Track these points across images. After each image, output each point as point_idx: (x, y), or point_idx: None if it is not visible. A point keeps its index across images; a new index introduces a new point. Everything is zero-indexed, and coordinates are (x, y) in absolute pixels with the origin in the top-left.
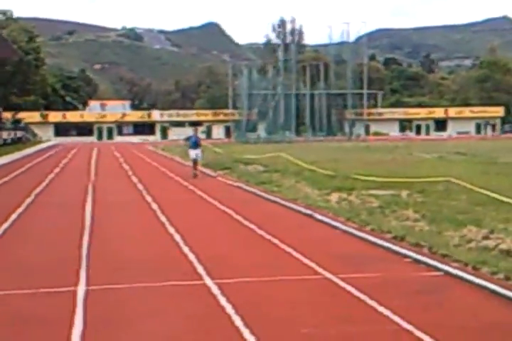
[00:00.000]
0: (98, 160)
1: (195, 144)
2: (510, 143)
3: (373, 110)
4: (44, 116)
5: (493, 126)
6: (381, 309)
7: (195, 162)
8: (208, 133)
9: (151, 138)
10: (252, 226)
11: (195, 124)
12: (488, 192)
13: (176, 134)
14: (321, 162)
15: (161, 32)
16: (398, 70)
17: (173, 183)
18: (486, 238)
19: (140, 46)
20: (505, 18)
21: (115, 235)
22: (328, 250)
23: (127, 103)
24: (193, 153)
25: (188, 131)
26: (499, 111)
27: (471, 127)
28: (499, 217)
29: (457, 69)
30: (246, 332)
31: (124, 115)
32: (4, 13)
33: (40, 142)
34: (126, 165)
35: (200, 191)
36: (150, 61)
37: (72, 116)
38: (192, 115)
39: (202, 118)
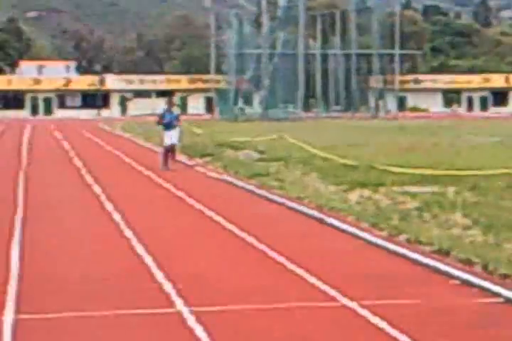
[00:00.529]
0: (32, 146)
1: (170, 123)
2: None
3: (409, 77)
4: None
5: None
6: None
7: (170, 148)
8: (183, 107)
9: (105, 112)
10: (243, 234)
11: (166, 94)
12: None
13: (138, 107)
14: (338, 147)
15: None
16: (443, 23)
17: (136, 176)
18: None
19: None
20: None
21: (55, 247)
22: (346, 267)
23: (72, 64)
24: (168, 135)
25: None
26: None
27: None
28: None
29: None
30: None
31: (68, 81)
32: None
33: None
34: (74, 153)
35: (172, 186)
36: (103, 7)
37: None
38: (161, 82)
39: (174, 86)
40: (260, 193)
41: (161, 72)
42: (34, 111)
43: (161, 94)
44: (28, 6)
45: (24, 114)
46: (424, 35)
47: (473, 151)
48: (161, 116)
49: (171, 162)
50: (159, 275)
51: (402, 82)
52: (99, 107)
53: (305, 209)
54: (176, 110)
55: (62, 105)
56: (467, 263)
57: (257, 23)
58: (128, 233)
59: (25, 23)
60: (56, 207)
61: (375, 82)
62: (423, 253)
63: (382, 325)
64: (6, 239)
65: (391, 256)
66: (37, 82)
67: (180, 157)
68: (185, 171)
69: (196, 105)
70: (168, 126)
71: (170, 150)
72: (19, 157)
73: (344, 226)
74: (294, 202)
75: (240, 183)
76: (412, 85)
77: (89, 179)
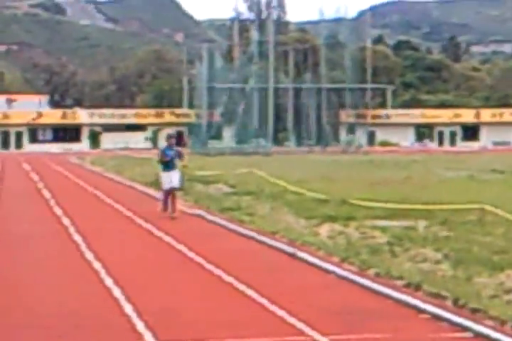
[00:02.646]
0: (1, 179)
1: (171, 162)
2: None
3: (380, 111)
4: None
5: None
6: None
7: (170, 192)
8: (154, 141)
9: (75, 146)
10: (214, 269)
11: (137, 128)
12: None
13: (110, 141)
14: (309, 181)
15: (90, 2)
16: (414, 58)
17: (107, 209)
18: None
19: (61, 21)
20: None
21: (21, 280)
22: (316, 302)
23: (44, 98)
24: (167, 176)
25: (130, 138)
26: None
27: (511, 136)
28: None
29: (493, 58)
30: None
31: (39, 115)
32: None
33: None
34: (47, 190)
35: (142, 220)
36: (75, 42)
37: None
38: (132, 116)
39: (145, 120)
40: (231, 227)
41: (133, 106)
42: (4, 145)
43: (132, 128)
44: None
45: None
46: (395, 69)
47: (443, 185)
48: (163, 153)
49: (175, 210)
50: (129, 309)
51: (374, 117)
52: (70, 141)
53: (276, 244)
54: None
55: (33, 139)
56: (437, 298)
57: (229, 57)
58: (97, 265)
59: None
60: (23, 238)
61: (347, 116)
62: (393, 288)
63: None
64: None
65: (361, 290)
66: (6, 116)
67: (151, 191)
68: (157, 205)
69: None
70: (168, 166)
71: (168, 194)
72: None
73: (315, 261)
74: (265, 236)
75: (211, 217)
76: (383, 120)
77: (58, 211)
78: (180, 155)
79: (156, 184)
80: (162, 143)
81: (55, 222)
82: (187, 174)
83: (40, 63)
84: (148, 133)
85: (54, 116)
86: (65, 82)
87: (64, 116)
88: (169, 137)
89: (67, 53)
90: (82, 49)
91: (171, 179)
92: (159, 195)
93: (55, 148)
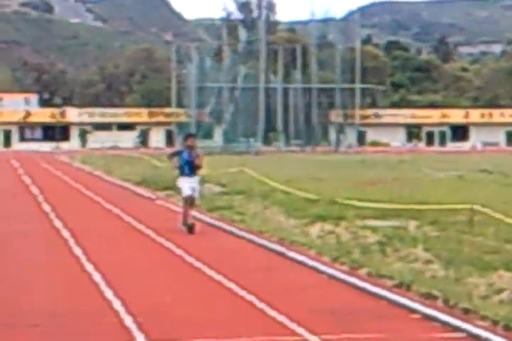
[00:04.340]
0: None
1: (190, 166)
2: None
3: (369, 111)
4: None
5: None
6: None
7: (189, 201)
8: (144, 140)
9: (65, 145)
10: (205, 268)
11: (126, 127)
12: None
13: (98, 140)
14: (299, 181)
15: (80, 1)
16: (403, 58)
17: (98, 209)
18: None
19: (50, 20)
20: None
21: (13, 280)
22: (307, 301)
23: (33, 97)
24: (187, 183)
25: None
26: None
27: (500, 136)
28: None
29: (482, 58)
30: None
31: (28, 114)
32: None
33: None
34: (35, 187)
35: (132, 219)
36: (64, 40)
37: None
38: (121, 115)
39: (135, 119)
40: (222, 226)
41: (122, 105)
42: None
43: (122, 127)
44: None
45: None
46: (385, 70)
47: (433, 186)
48: (175, 153)
49: (192, 220)
50: (119, 308)
51: (363, 117)
52: (59, 139)
53: (267, 243)
54: (198, 148)
55: (22, 138)
56: (428, 298)
57: (219, 57)
58: (88, 267)
59: None
60: (10, 235)
61: (336, 116)
62: (384, 288)
63: None
64: None
65: (352, 290)
66: None
67: (142, 190)
68: (147, 204)
69: (157, 138)
70: (187, 170)
71: (187, 204)
72: None
73: (305, 260)
74: (255, 235)
75: (201, 216)
76: (373, 120)
77: (46, 209)
78: (195, 162)
79: (145, 182)
80: (152, 142)
81: (44, 219)
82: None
83: (29, 62)
84: (138, 132)
85: (43, 115)
86: (54, 81)
87: (53, 114)
88: (187, 137)
89: (56, 52)
90: (72, 47)
91: (190, 186)
92: (148, 193)
93: (45, 146)
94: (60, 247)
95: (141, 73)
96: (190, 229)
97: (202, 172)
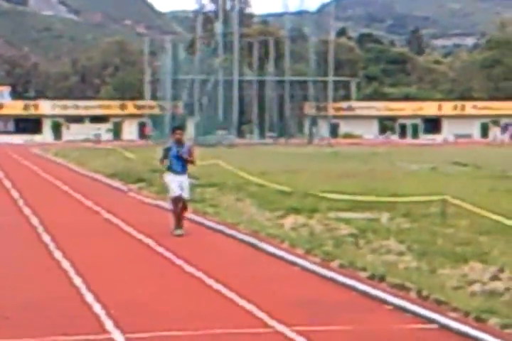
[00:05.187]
0: None
1: (180, 163)
2: None
3: (343, 104)
4: None
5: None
6: None
7: (179, 201)
8: (117, 133)
9: (38, 138)
10: (178, 261)
11: (100, 120)
12: (496, 217)
13: (72, 133)
14: (272, 173)
15: None
16: (377, 50)
17: (71, 201)
18: (494, 278)
19: (23, 12)
20: None
21: None
22: (280, 293)
23: (6, 90)
24: (175, 181)
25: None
26: (510, 107)
27: (473, 128)
28: (511, 250)
29: (456, 51)
30: None
31: (0, 106)
32: None
33: None
34: (7, 180)
35: (105, 211)
36: (37, 33)
37: None
38: (94, 107)
39: (108, 111)
40: (195, 219)
41: (95, 97)
42: None
43: (95, 119)
44: None
45: None
46: (359, 62)
47: (407, 178)
48: (166, 152)
49: (182, 223)
50: (92, 300)
51: (337, 109)
52: (32, 132)
53: (240, 235)
54: (188, 141)
55: None
56: (401, 289)
57: (193, 50)
58: (61, 260)
59: None
60: None
61: (310, 108)
62: (357, 279)
63: None
64: None
65: (325, 282)
66: None
67: (115, 182)
68: (120, 197)
69: (130, 130)
70: (177, 167)
71: (177, 203)
72: None
73: (279, 253)
74: (228, 228)
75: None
76: (346, 112)
77: (19, 201)
78: (190, 156)
79: (118, 174)
80: (125, 134)
81: (16, 211)
82: (149, 165)
83: (2, 54)
84: (111, 124)
85: (16, 108)
86: (27, 73)
87: (26, 107)
88: (174, 130)
89: (29, 44)
90: (45, 40)
91: (181, 185)
92: (120, 185)
93: (17, 139)
94: (32, 240)
95: (114, 66)
96: (178, 232)
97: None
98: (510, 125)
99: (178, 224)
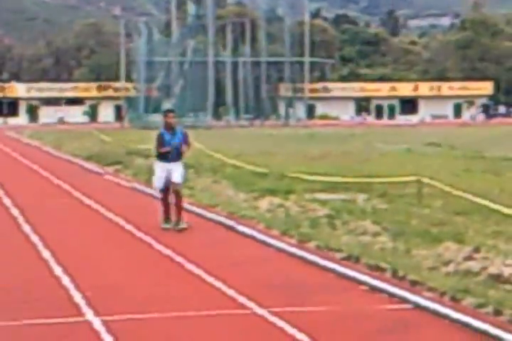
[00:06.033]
0: None
1: (175, 151)
2: (500, 130)
3: (319, 85)
4: None
5: (485, 108)
6: None
7: (171, 191)
8: (93, 115)
9: (13, 120)
10: (154, 243)
11: (75, 102)
12: (471, 197)
13: (47, 115)
14: (248, 155)
15: None
16: (352, 32)
17: (47, 184)
18: (469, 258)
19: None
20: None
21: None
22: (257, 275)
23: None
24: (163, 170)
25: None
26: (486, 87)
27: (448, 109)
28: (486, 230)
29: (431, 31)
30: None
31: None
32: None
33: None
34: None
35: (81, 194)
36: (11, 14)
37: None
38: (70, 89)
39: (83, 93)
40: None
41: (70, 79)
42: None
43: (71, 102)
44: None
45: None
46: (334, 43)
47: (382, 159)
48: (161, 140)
49: (176, 214)
50: (68, 284)
51: (312, 91)
52: (6, 115)
53: (216, 217)
54: (179, 127)
55: None
56: (377, 270)
57: (167, 31)
58: (38, 243)
59: None
60: None
61: (285, 90)
62: (333, 260)
63: (292, 331)
64: None
65: (301, 263)
66: None
67: (90, 165)
68: (95, 179)
69: (106, 113)
70: (170, 155)
71: (172, 195)
72: None
73: (254, 234)
74: (204, 209)
75: (149, 191)
76: (322, 93)
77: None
78: (185, 141)
79: (93, 158)
80: (101, 117)
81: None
82: (125, 147)
83: None
84: (86, 107)
85: None
86: (1, 56)
87: (1, 90)
88: (166, 113)
89: (3, 26)
90: (19, 22)
91: (170, 174)
92: (96, 168)
93: None
94: (9, 224)
95: (89, 48)
96: (179, 226)
97: (151, 146)
98: (487, 105)
99: (168, 217)
